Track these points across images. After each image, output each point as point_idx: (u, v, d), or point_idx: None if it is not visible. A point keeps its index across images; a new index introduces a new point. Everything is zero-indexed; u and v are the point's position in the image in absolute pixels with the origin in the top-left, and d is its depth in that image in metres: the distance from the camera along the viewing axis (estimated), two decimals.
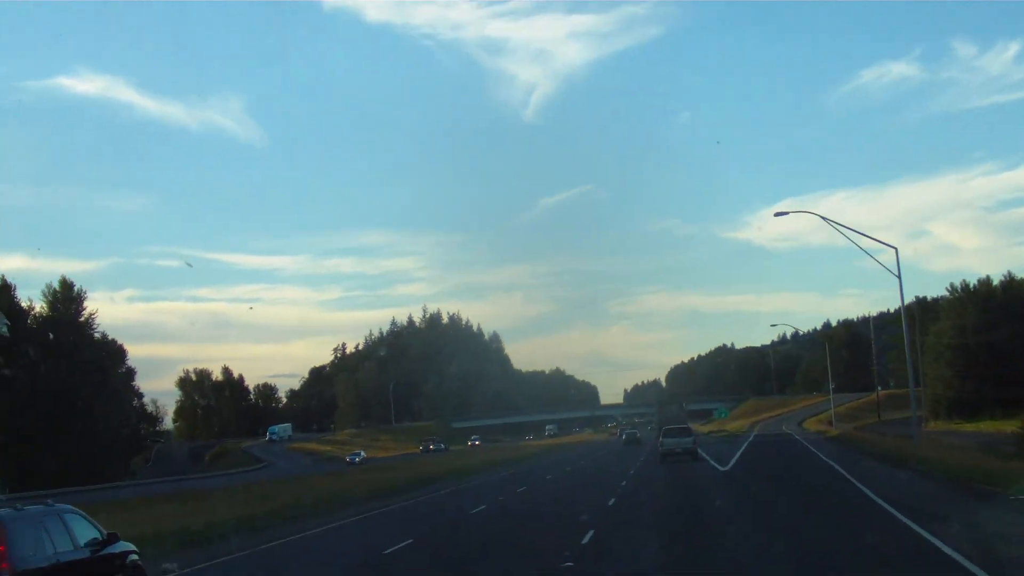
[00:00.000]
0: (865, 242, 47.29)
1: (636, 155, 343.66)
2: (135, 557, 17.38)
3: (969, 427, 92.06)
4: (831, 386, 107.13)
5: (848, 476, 38.39)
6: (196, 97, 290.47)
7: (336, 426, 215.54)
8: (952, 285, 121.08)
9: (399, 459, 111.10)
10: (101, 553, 15.88)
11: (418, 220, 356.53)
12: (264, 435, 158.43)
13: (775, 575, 17.67)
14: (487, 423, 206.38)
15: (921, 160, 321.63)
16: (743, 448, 71.53)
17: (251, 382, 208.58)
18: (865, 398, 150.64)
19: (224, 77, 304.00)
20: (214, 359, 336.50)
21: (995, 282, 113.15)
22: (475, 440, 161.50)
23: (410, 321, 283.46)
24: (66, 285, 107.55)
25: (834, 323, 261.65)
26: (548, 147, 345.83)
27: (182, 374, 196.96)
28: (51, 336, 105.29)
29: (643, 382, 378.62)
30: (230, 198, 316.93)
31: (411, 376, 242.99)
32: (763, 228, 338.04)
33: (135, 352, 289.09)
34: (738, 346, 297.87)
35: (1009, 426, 62.10)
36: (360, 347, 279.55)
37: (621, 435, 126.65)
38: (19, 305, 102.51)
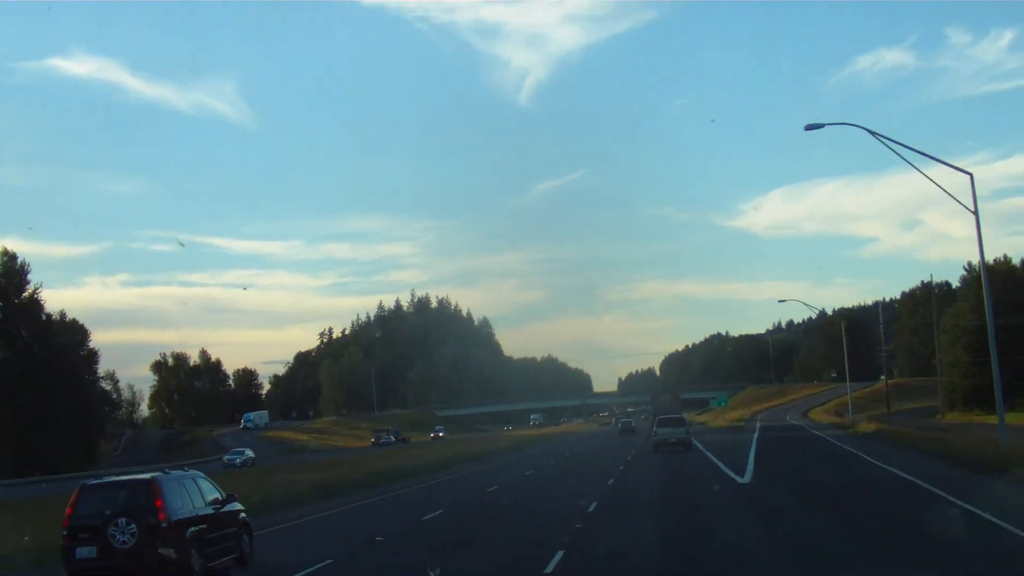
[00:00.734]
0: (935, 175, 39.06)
1: (631, 141, 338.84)
2: (244, 515, 20.76)
3: (992, 419, 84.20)
4: (846, 374, 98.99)
5: (962, 503, 22.79)
6: (189, 79, 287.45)
7: (320, 413, 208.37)
8: (970, 264, 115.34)
9: (337, 454, 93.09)
10: (222, 510, 19.49)
11: (412, 205, 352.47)
12: (240, 422, 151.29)
13: None
14: (474, 411, 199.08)
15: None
16: (755, 446, 57.13)
17: (246, 368, 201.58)
18: (870, 387, 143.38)
19: (217, 59, 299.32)
20: (208, 344, 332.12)
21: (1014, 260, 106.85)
22: (439, 432, 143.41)
23: (398, 305, 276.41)
24: (8, 256, 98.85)
25: (829, 312, 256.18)
26: (542, 132, 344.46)
27: (159, 358, 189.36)
28: None
29: (638, 371, 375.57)
30: (223, 181, 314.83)
31: (398, 362, 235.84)
32: (759, 211, 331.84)
33: (126, 337, 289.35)
34: (733, 334, 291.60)
35: None
36: (347, 332, 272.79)
37: (616, 424, 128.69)
38: None
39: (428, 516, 28.13)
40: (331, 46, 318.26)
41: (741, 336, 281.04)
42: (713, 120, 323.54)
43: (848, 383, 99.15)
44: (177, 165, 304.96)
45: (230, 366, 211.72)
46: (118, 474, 24.12)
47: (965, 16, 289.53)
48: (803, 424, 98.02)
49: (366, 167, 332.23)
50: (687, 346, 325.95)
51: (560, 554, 18.07)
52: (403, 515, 29.96)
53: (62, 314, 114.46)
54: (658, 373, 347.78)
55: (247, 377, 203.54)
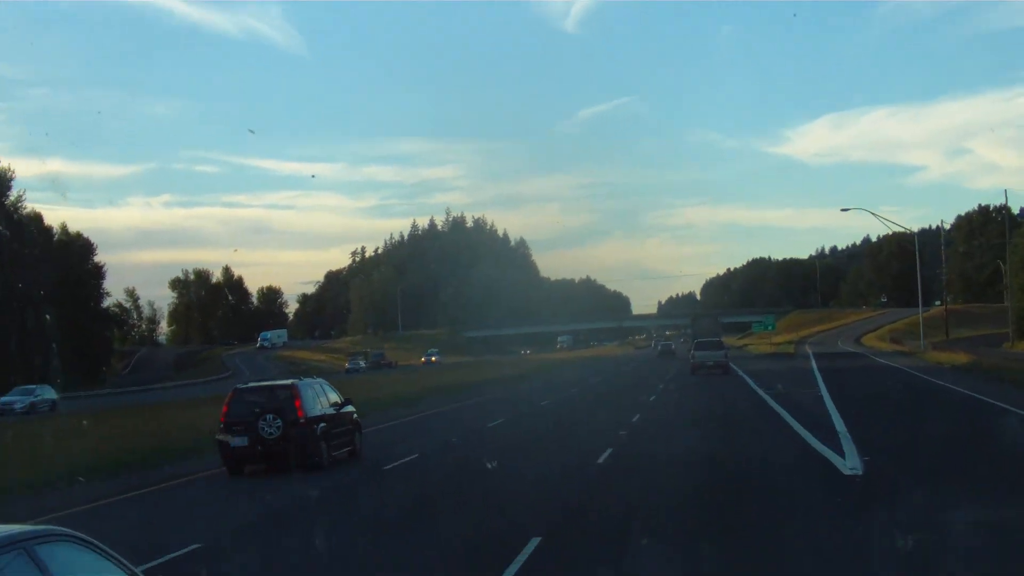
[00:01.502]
0: None
1: (677, 67, 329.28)
2: (356, 415, 24.51)
3: None
4: (919, 295, 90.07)
5: None
6: (236, 3, 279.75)
7: (349, 332, 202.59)
8: None
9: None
10: (341, 410, 23.35)
11: (457, 129, 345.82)
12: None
13: None
14: (503, 332, 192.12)
15: (964, 78, 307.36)
16: (822, 383, 44.63)
17: (287, 289, 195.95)
18: (925, 313, 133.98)
19: None
20: (247, 264, 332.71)
21: None
22: (432, 356, 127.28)
23: (432, 224, 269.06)
24: None
25: (874, 239, 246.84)
26: (588, 57, 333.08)
27: (181, 275, 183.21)
28: None
29: (678, 294, 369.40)
30: (268, 104, 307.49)
31: (430, 282, 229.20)
32: (810, 138, 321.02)
33: (168, 257, 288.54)
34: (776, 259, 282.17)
35: None
36: (380, 251, 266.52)
37: (656, 347, 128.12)
38: None
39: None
40: None
41: (785, 259, 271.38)
42: (795, 14, 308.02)
43: (920, 308, 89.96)
44: (222, 88, 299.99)
45: (270, 286, 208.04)
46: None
47: None
48: (861, 351, 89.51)
49: (412, 90, 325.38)
50: (728, 269, 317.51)
51: None
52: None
53: (64, 227, 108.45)
54: (699, 297, 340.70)
55: (271, 295, 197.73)
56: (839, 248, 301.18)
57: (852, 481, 16.81)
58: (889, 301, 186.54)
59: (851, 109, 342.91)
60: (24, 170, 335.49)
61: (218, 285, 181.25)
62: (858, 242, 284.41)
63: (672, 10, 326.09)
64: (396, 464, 22.15)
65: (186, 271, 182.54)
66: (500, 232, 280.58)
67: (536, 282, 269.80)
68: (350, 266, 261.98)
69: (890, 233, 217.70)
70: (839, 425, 25.67)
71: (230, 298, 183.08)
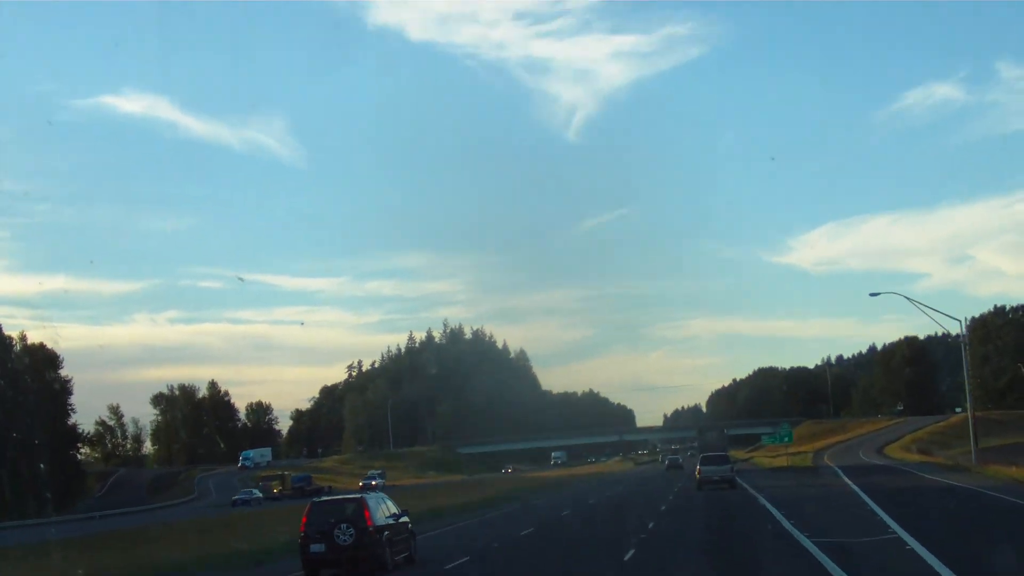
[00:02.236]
0: None
1: (678, 177, 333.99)
2: (410, 524, 27.88)
3: None
4: (967, 397, 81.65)
5: None
6: (239, 116, 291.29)
7: (342, 449, 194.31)
8: None
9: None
10: (399, 520, 26.65)
11: (458, 242, 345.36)
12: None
13: None
14: (499, 448, 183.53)
15: (964, 184, 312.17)
16: (897, 523, 28.00)
17: (288, 406, 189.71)
18: (946, 421, 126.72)
19: (267, 96, 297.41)
20: (248, 382, 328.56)
21: None
22: (372, 479, 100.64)
23: (429, 337, 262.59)
24: None
25: (879, 347, 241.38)
26: (590, 168, 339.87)
27: (166, 391, 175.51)
28: None
29: (683, 406, 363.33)
30: (272, 219, 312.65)
31: (426, 396, 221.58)
32: (810, 247, 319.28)
33: (171, 374, 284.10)
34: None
35: None
36: (376, 364, 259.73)
37: (663, 461, 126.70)
38: None
39: None
40: (381, 83, 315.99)
41: (792, 368, 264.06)
42: (773, 158, 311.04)
43: (970, 412, 76.32)
44: (227, 202, 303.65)
45: (259, 401, 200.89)
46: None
47: (1015, 50, 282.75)
48: (893, 464, 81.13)
49: (414, 204, 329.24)
50: (734, 380, 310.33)
51: None
52: None
53: (23, 338, 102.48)
54: (704, 409, 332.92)
55: (261, 412, 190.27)
56: (845, 357, 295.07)
57: None
58: (905, 409, 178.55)
59: (852, 216, 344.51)
60: (24, 287, 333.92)
61: (203, 401, 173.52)
62: (864, 350, 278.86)
63: (673, 119, 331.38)
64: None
65: (171, 387, 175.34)
66: (500, 343, 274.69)
67: (537, 395, 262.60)
68: (346, 381, 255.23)
69: (901, 338, 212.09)
70: None
71: (215, 416, 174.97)
